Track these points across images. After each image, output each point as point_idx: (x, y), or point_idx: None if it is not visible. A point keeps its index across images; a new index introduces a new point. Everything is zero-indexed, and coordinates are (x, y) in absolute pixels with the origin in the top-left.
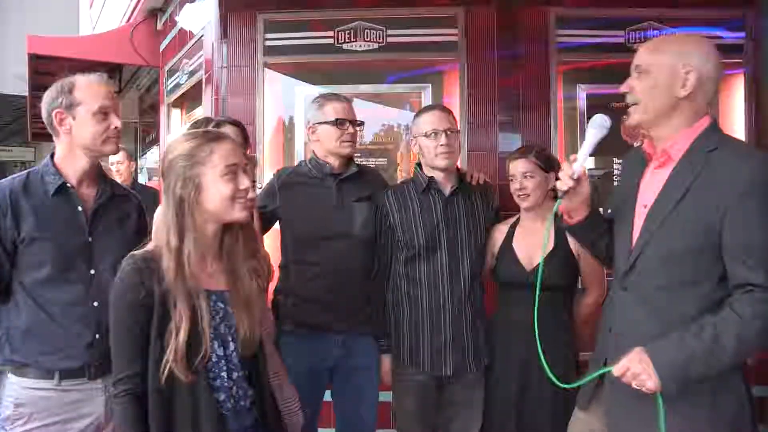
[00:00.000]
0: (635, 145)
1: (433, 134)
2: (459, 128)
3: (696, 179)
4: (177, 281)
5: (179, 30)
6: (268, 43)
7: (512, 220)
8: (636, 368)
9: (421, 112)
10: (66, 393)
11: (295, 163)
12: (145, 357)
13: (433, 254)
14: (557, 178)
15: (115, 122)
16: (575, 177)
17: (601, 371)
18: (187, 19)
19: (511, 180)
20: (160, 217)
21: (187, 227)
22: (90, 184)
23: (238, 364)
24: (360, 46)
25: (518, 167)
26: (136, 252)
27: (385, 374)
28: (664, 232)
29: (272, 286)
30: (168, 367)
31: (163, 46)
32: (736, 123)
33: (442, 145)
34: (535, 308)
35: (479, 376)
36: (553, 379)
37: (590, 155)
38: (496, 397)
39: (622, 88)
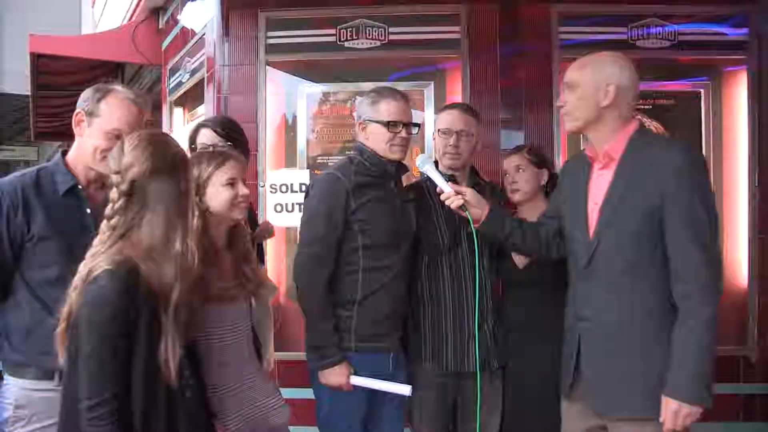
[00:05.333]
0: None
1: (445, 133)
2: (476, 131)
3: (636, 174)
4: (176, 285)
5: (181, 28)
6: (270, 41)
7: None
8: (677, 421)
9: (443, 108)
10: None
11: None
12: (127, 374)
13: (454, 252)
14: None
15: None
16: (453, 197)
17: None
18: (189, 17)
19: (505, 176)
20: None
21: (191, 229)
22: (98, 187)
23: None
24: (362, 43)
25: (511, 162)
26: (112, 268)
27: None
28: (616, 222)
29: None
30: (158, 374)
31: (165, 45)
32: (739, 119)
33: (450, 145)
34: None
35: (498, 372)
36: None
37: (442, 175)
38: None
39: (558, 103)
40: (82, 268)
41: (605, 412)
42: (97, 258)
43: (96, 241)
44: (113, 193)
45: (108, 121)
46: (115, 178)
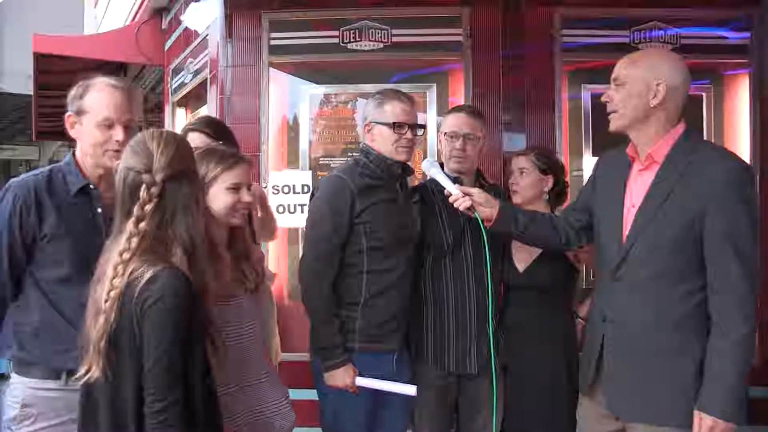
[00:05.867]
0: None
1: (451, 136)
2: (483, 135)
3: (679, 180)
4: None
5: (184, 29)
6: (273, 42)
7: None
8: None
9: (450, 110)
10: (73, 393)
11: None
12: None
13: (458, 253)
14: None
15: (117, 135)
16: (461, 198)
17: None
18: (192, 18)
19: (512, 175)
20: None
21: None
22: (108, 187)
23: None
24: (365, 45)
25: (517, 163)
26: (169, 266)
27: None
28: (653, 227)
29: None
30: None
31: (167, 46)
32: (741, 123)
33: (456, 149)
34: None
35: (500, 373)
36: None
37: (449, 177)
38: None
39: (603, 98)
40: (114, 273)
41: (623, 414)
42: (132, 261)
43: (123, 243)
44: (143, 194)
45: (96, 113)
46: (146, 177)
